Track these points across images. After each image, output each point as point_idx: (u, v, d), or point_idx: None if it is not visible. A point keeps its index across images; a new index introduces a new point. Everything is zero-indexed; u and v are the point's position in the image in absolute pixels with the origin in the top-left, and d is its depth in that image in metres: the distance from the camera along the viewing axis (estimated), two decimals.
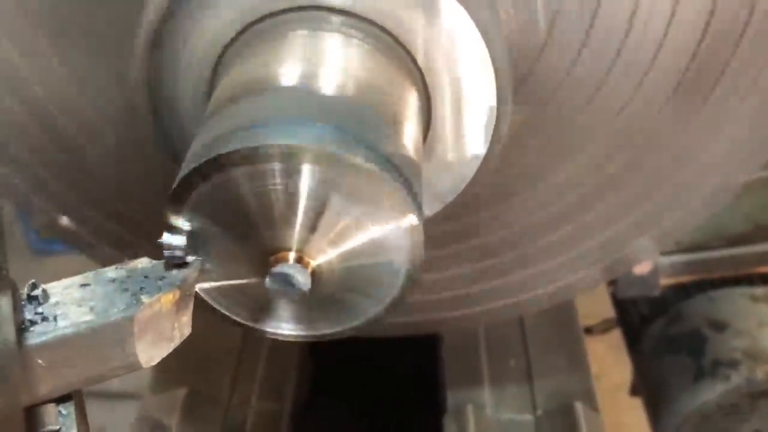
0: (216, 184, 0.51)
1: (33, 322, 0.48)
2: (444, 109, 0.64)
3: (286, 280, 0.51)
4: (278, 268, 0.51)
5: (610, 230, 0.93)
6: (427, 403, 1.18)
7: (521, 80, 0.76)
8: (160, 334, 0.51)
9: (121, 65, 0.67)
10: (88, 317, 0.48)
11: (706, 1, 0.73)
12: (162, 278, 0.51)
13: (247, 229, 0.52)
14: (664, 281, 1.37)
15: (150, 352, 0.50)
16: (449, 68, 0.63)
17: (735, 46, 0.76)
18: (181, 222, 0.52)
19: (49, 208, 0.92)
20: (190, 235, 0.52)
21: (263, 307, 0.56)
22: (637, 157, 0.86)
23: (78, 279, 0.51)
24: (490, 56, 0.63)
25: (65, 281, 0.50)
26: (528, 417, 1.10)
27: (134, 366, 0.50)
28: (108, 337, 0.49)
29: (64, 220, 0.92)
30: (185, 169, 0.51)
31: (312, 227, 0.52)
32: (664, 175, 0.89)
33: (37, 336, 0.47)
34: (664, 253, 1.32)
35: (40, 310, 0.49)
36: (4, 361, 0.44)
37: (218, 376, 1.17)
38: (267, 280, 0.52)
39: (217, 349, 1.18)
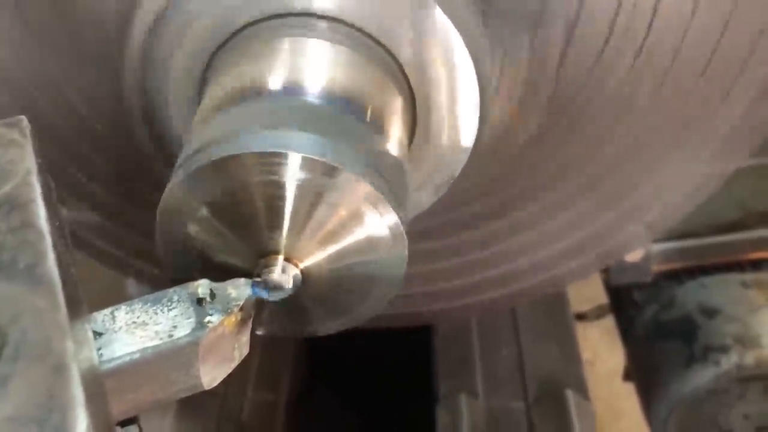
0: (205, 192, 0.52)
1: (100, 347, 0.47)
2: (431, 109, 0.65)
3: (275, 282, 0.53)
4: (267, 271, 0.53)
5: (602, 219, 0.94)
6: (421, 391, 1.19)
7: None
8: (222, 356, 0.51)
9: (114, 71, 0.68)
10: (154, 342, 0.48)
11: None
12: (223, 301, 0.50)
13: (235, 234, 0.54)
14: (657, 268, 1.38)
15: (212, 374, 0.50)
16: (433, 69, 0.64)
17: (720, 36, 0.77)
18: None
19: None
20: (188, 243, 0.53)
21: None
22: (628, 147, 0.87)
23: (139, 302, 0.50)
24: (470, 55, 0.64)
25: (126, 304, 0.50)
26: (520, 404, 1.12)
27: (196, 388, 0.50)
28: (174, 362, 0.48)
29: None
30: (175, 177, 0.52)
31: (299, 231, 0.53)
32: (656, 164, 0.89)
33: (105, 361, 0.46)
34: (656, 241, 1.33)
35: (106, 334, 0.48)
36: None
37: None
38: (257, 282, 0.53)
39: None
